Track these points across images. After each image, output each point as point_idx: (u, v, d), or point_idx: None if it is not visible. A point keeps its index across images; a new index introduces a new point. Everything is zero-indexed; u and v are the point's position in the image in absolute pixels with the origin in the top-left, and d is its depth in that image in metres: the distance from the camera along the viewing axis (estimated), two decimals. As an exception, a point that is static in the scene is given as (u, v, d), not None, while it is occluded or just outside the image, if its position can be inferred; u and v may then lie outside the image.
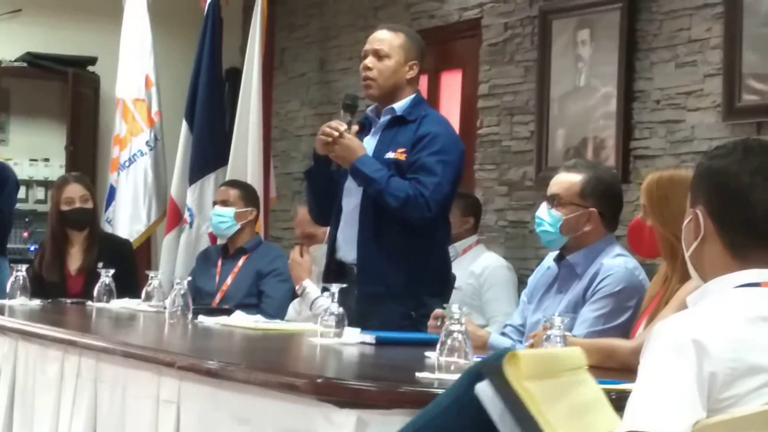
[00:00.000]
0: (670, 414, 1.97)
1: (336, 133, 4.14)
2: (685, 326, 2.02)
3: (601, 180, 3.83)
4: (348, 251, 4.26)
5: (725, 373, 1.98)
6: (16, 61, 7.80)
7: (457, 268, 5.46)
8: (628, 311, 3.59)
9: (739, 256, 2.15)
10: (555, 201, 3.82)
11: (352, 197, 4.27)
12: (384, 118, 4.29)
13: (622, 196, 3.95)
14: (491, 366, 2.19)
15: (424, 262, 4.20)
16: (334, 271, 4.28)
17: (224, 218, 5.63)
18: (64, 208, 5.73)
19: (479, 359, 2.98)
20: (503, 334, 3.90)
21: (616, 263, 3.69)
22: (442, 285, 4.29)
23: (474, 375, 2.28)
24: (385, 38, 4.30)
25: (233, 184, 5.98)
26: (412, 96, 4.30)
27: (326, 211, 4.42)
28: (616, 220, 3.88)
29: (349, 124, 4.23)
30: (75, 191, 5.74)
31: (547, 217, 3.82)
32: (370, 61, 4.28)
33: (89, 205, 5.78)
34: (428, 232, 4.20)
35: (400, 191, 4.11)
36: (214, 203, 5.76)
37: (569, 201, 3.79)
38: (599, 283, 3.66)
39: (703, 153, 2.28)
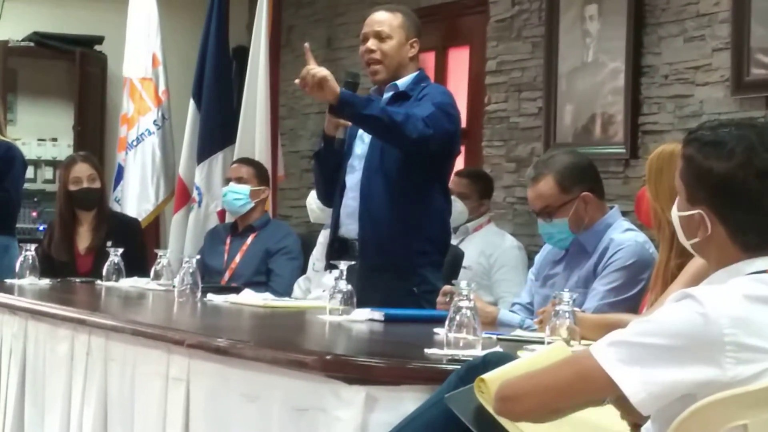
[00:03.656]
0: (637, 373, 2.00)
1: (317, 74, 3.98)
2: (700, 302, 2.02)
3: (569, 165, 3.82)
4: (350, 227, 4.26)
5: (728, 351, 1.98)
6: (23, 41, 7.79)
7: (467, 246, 5.48)
8: (639, 284, 3.60)
9: (751, 251, 2.14)
10: (548, 213, 3.81)
11: (354, 173, 4.27)
12: (387, 95, 4.27)
13: (593, 163, 3.93)
14: (462, 397, 2.28)
15: (422, 231, 4.19)
16: (337, 248, 4.28)
17: (240, 195, 5.63)
18: (72, 188, 5.73)
19: (487, 335, 3.01)
20: (511, 312, 3.90)
21: (627, 237, 3.70)
22: (441, 254, 4.28)
23: (460, 378, 2.38)
24: (385, 19, 4.28)
25: (247, 161, 6.00)
26: (416, 73, 4.29)
27: (335, 193, 4.41)
28: (603, 187, 3.88)
29: None
30: (82, 171, 5.74)
31: (553, 229, 3.82)
32: (372, 43, 4.26)
33: (97, 184, 5.78)
34: (425, 200, 4.19)
35: (399, 110, 4.03)
36: (228, 180, 5.74)
37: (559, 203, 3.79)
38: (611, 257, 3.67)
39: (692, 142, 2.20)
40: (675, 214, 2.24)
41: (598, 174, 3.91)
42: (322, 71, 3.96)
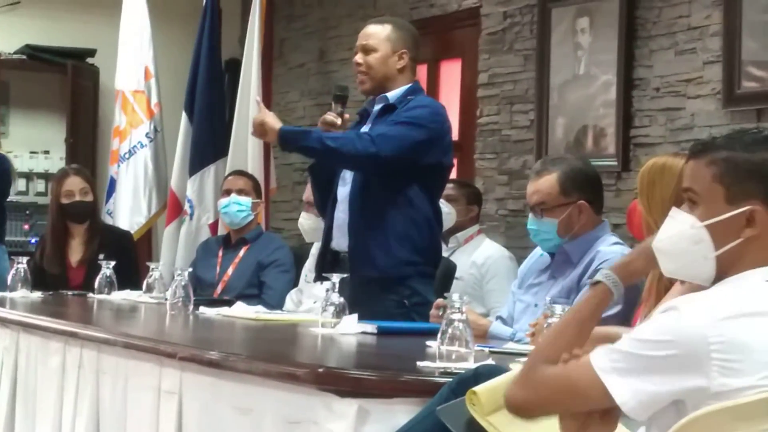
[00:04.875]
0: (627, 382, 2.02)
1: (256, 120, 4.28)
2: (695, 318, 2.02)
3: (575, 170, 3.81)
4: (340, 239, 4.27)
5: (721, 366, 1.99)
6: (15, 53, 7.78)
7: (459, 258, 5.48)
8: (626, 298, 3.59)
9: None
10: (541, 209, 3.80)
11: (346, 186, 4.28)
12: (377, 107, 4.29)
13: (599, 176, 3.93)
14: (454, 410, 2.27)
15: (410, 242, 4.19)
16: (329, 261, 4.29)
17: (243, 207, 5.63)
18: (64, 201, 5.73)
19: (479, 347, 3.01)
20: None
21: (613, 250, 3.69)
22: (431, 265, 4.28)
23: (452, 391, 2.38)
24: (372, 32, 4.31)
25: (244, 173, 6.02)
26: (408, 85, 4.30)
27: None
28: (602, 202, 3.88)
29: (341, 115, 4.25)
30: (75, 184, 5.74)
31: (540, 226, 3.81)
32: (359, 56, 4.30)
33: (89, 198, 5.77)
34: (415, 213, 4.20)
35: (337, 135, 4.16)
36: (229, 192, 5.71)
37: (555, 203, 3.77)
38: (596, 269, 3.65)
39: (721, 147, 2.17)
40: (703, 224, 2.16)
41: (602, 189, 3.90)
42: (258, 118, 4.25)
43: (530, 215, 3.85)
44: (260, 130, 4.23)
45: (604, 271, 2.28)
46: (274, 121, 4.19)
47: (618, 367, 2.03)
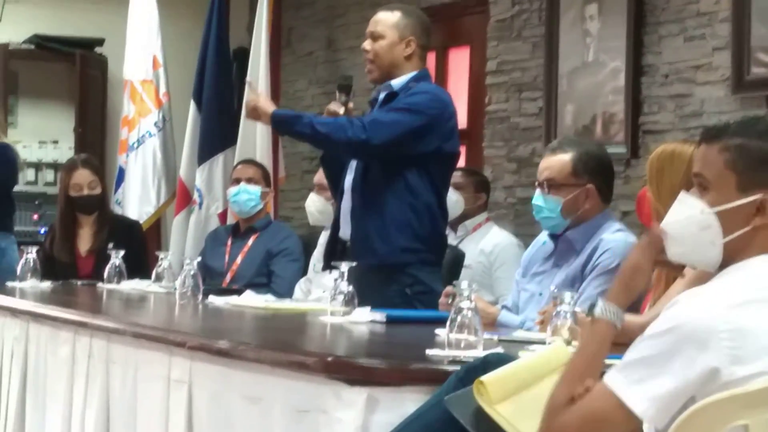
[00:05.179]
0: (643, 390, 2.02)
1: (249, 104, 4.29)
2: (701, 312, 2.03)
3: (590, 154, 3.81)
4: (346, 228, 4.28)
5: (731, 354, 1.99)
6: (23, 43, 7.79)
7: (467, 245, 5.48)
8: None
9: None
10: (549, 185, 3.79)
11: (352, 174, 4.28)
12: (381, 95, 4.28)
13: (613, 165, 3.92)
14: (461, 399, 2.28)
15: (410, 229, 4.18)
16: (339, 250, 4.29)
17: (252, 196, 5.64)
18: (73, 193, 5.73)
19: (488, 335, 3.01)
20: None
21: (616, 238, 3.68)
22: (434, 253, 4.26)
23: (460, 380, 2.39)
24: (380, 19, 4.30)
25: (254, 162, 6.03)
26: (414, 72, 4.27)
27: None
28: (611, 191, 3.87)
29: (345, 104, 4.24)
30: (83, 177, 5.73)
31: (545, 203, 3.79)
32: (367, 43, 4.29)
33: (97, 191, 5.77)
34: (415, 200, 4.18)
35: (328, 120, 4.17)
36: (238, 180, 5.72)
37: (564, 182, 3.76)
38: (599, 257, 3.65)
39: (735, 134, 2.16)
40: (713, 210, 2.16)
41: (613, 177, 3.89)
42: (252, 102, 4.25)
43: (537, 190, 3.85)
44: (254, 114, 4.23)
45: (600, 304, 2.21)
46: (266, 105, 4.20)
47: (632, 379, 2.03)
